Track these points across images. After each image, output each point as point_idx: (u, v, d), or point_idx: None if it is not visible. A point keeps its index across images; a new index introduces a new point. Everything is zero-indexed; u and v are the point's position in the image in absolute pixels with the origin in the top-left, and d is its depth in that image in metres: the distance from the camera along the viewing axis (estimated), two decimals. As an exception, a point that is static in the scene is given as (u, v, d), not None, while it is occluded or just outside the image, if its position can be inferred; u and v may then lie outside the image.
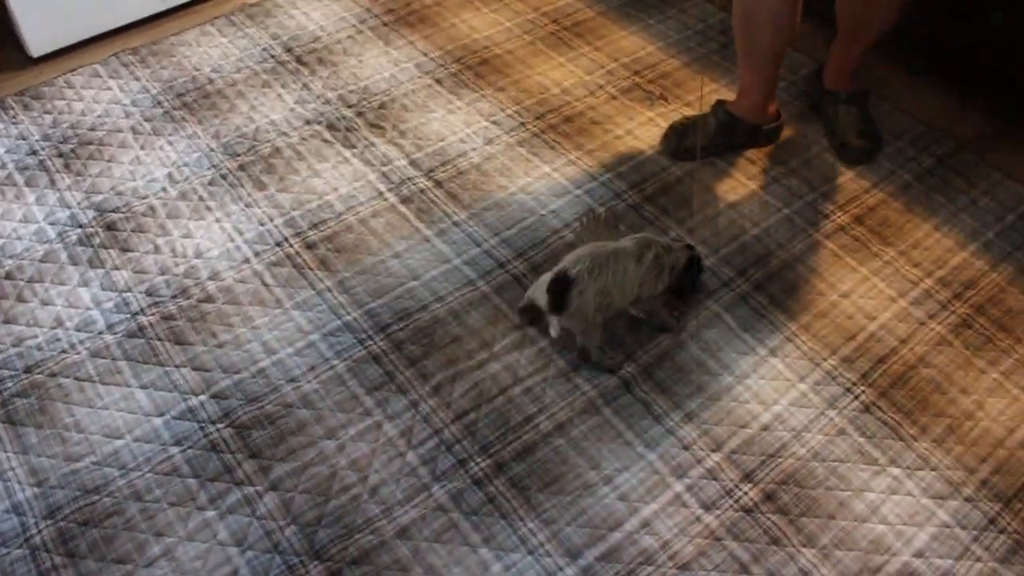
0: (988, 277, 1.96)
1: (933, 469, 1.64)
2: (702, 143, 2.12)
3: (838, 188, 2.11)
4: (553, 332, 1.73)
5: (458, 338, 1.78)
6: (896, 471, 1.63)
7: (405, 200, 2.03)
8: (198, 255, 1.92)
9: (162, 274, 1.88)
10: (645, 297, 1.72)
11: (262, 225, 1.97)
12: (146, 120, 2.21)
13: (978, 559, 1.53)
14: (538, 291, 1.68)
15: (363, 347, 1.76)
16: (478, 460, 1.61)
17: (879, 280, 1.94)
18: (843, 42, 2.14)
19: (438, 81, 2.32)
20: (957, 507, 1.59)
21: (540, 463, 1.60)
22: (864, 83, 2.23)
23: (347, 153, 2.13)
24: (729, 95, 2.21)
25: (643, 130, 2.21)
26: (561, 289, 1.62)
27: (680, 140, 2.14)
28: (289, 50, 2.40)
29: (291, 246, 1.93)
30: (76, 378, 1.72)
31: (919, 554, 1.53)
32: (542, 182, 2.08)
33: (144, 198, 2.03)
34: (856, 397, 1.73)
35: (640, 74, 2.36)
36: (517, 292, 1.85)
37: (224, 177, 2.07)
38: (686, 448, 1.63)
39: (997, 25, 2.14)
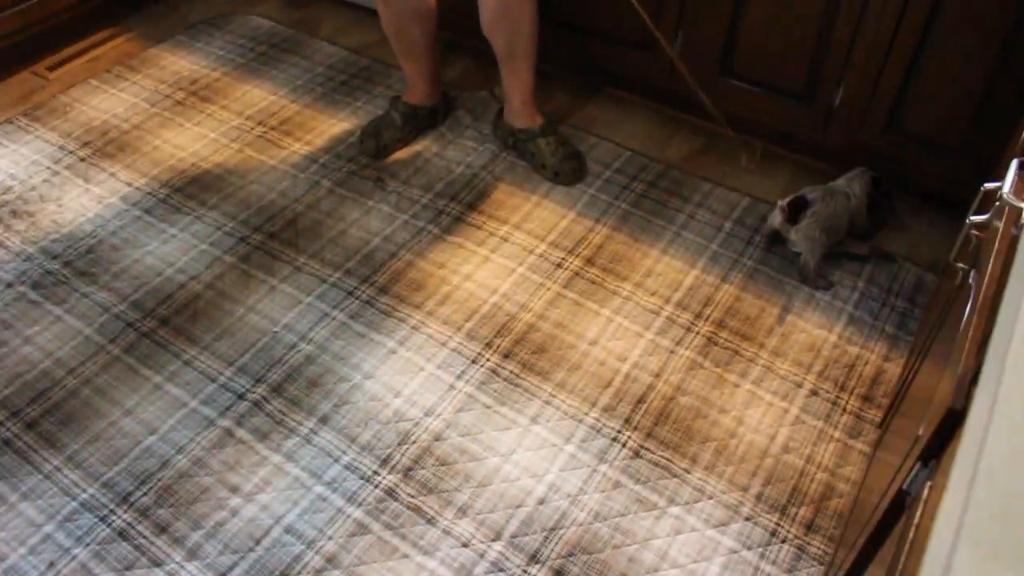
0: (722, 289, 2.03)
1: (710, 498, 1.65)
2: (396, 136, 2.34)
3: (566, 233, 2.13)
4: (791, 247, 2.09)
5: (206, 488, 1.65)
6: (676, 510, 1.63)
7: (128, 349, 1.87)
8: (-101, 466, 1.70)
9: None
10: (860, 224, 2.11)
11: (-30, 414, 1.77)
12: None
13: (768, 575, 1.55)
14: (775, 216, 2.06)
15: (106, 524, 1.60)
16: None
17: (622, 318, 1.96)
18: (509, 71, 2.23)
19: (147, 211, 2.18)
20: (739, 529, 1.61)
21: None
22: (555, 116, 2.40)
23: (58, 311, 1.95)
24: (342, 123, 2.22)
25: (368, 218, 2.16)
26: (797, 207, 2.01)
27: (377, 140, 2.32)
28: (-25, 210, 2.20)
29: (8, 430, 1.74)
30: None
31: (711, 589, 1.53)
32: (271, 298, 1.98)
33: None
34: (624, 445, 1.73)
35: (343, 156, 2.32)
36: (261, 419, 1.74)
37: (-82, 369, 1.85)
38: (465, 545, 1.57)
39: (680, 50, 2.23)
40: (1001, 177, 1.22)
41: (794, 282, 2.04)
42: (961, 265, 1.30)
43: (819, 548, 1.59)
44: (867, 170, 2.12)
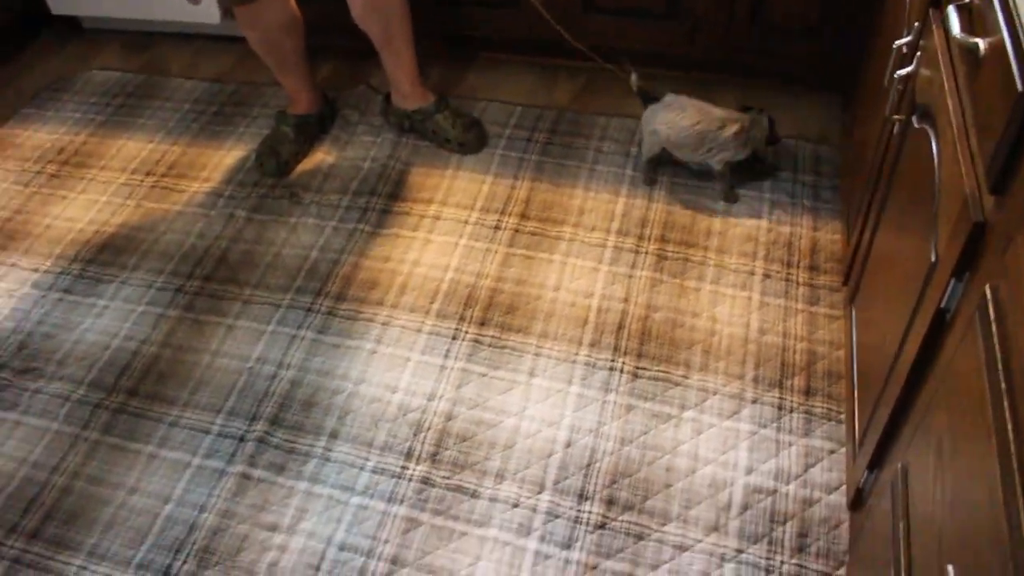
0: (652, 209, 2.13)
1: (714, 393, 1.76)
2: (294, 150, 2.33)
3: (492, 196, 2.18)
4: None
5: (245, 536, 1.62)
6: (689, 413, 1.73)
7: (106, 430, 1.80)
8: (-93, 618, 1.59)
9: None
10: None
11: (-37, 543, 1.67)
12: None
13: (790, 444, 1.67)
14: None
15: (155, 602, 1.56)
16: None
17: (574, 259, 2.03)
18: (390, 56, 2.25)
19: (66, 291, 2.08)
20: (750, 413, 1.72)
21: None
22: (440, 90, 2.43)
23: (13, 415, 1.84)
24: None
25: (296, 235, 2.14)
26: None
27: (277, 158, 2.30)
28: None
29: (12, 547, 1.64)
30: None
31: (749, 470, 1.63)
32: (232, 336, 1.94)
33: None
34: (621, 371, 1.80)
35: (246, 183, 2.28)
36: (271, 454, 1.73)
37: None
38: (516, 506, 1.62)
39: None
40: (875, 45, 1.36)
41: (711, 185, 2.16)
42: (898, 117, 1.43)
43: (822, 407, 1.72)
44: (764, 112, 2.13)
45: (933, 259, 1.14)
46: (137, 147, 2.45)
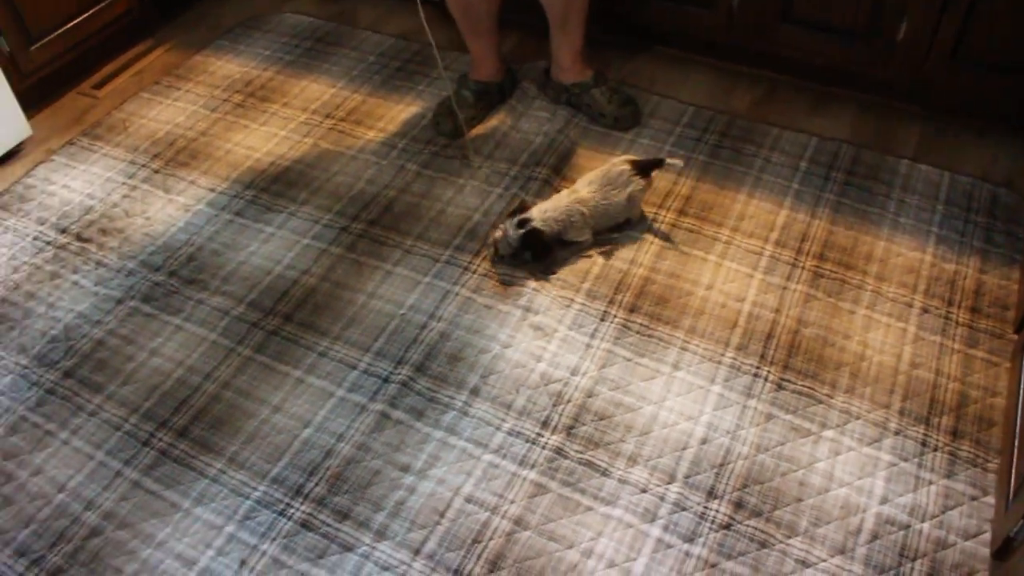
0: (813, 224, 2.10)
1: (857, 418, 1.73)
2: (471, 114, 2.37)
3: (652, 190, 2.19)
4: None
5: (377, 471, 1.68)
6: (830, 433, 1.70)
7: (260, 348, 1.89)
8: (60, 488, 1.70)
9: (26, 526, 1.65)
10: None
11: (118, 429, 1.78)
12: (-71, 362, 1.94)
13: (930, 483, 1.63)
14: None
15: (287, 518, 1.62)
16: (456, 585, 1.53)
17: (729, 262, 2.02)
18: (561, 33, 2.29)
19: (238, 214, 2.18)
20: (892, 443, 1.69)
21: (519, 561, 1.54)
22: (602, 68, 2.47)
23: (177, 320, 1.96)
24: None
25: (463, 195, 2.19)
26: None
27: (454, 119, 2.34)
28: (64, 230, 2.18)
29: (161, 440, 1.75)
30: None
31: (884, 500, 1.60)
32: (389, 282, 2.01)
33: (-33, 449, 1.78)
34: (765, 379, 1.79)
35: (420, 139, 2.34)
36: (413, 399, 1.78)
37: (52, 392, 1.85)
38: (644, 491, 1.63)
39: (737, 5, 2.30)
40: None
41: (877, 210, 2.12)
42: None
43: (969, 451, 1.67)
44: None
45: None
46: (320, 89, 2.55)
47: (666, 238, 2.07)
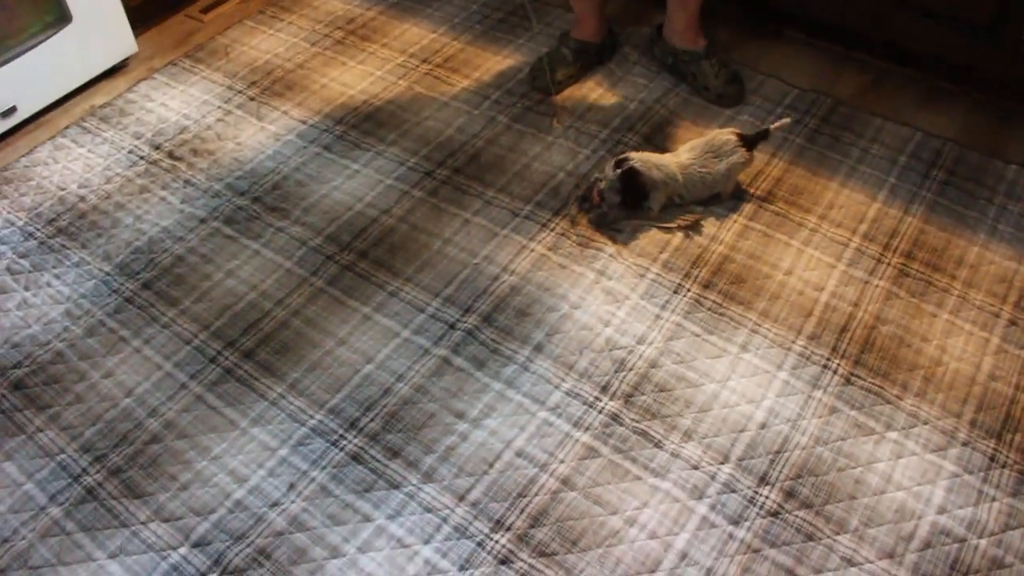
0: (905, 221, 2.03)
1: (925, 423, 1.67)
2: (568, 73, 2.35)
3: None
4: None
5: (432, 415, 1.69)
6: (894, 435, 1.66)
7: (332, 281, 1.92)
8: (128, 393, 1.75)
9: (93, 424, 1.71)
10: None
11: (188, 344, 1.83)
12: (21, 257, 2.01)
13: (993, 499, 1.57)
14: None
15: (339, 449, 1.65)
16: (496, 537, 1.53)
17: (813, 249, 1.97)
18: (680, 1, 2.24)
19: (326, 148, 2.21)
20: (958, 454, 1.63)
21: (562, 520, 1.55)
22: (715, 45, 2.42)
23: (255, 245, 2.00)
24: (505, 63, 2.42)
25: (550, 153, 2.18)
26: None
27: (550, 75, 2.32)
28: (158, 147, 2.24)
29: (227, 359, 1.80)
30: (30, 567, 1.54)
31: (941, 510, 1.55)
32: (466, 230, 2.01)
33: (46, 344, 1.85)
34: (835, 372, 1.75)
35: (514, 93, 2.33)
36: (475, 348, 1.78)
37: (130, 301, 1.91)
38: (696, 468, 1.61)
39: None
40: None
41: (976, 214, 2.04)
42: None
43: (1040, 473, 1.61)
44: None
45: None
46: (420, 34, 2.55)
47: (751, 218, 2.03)
